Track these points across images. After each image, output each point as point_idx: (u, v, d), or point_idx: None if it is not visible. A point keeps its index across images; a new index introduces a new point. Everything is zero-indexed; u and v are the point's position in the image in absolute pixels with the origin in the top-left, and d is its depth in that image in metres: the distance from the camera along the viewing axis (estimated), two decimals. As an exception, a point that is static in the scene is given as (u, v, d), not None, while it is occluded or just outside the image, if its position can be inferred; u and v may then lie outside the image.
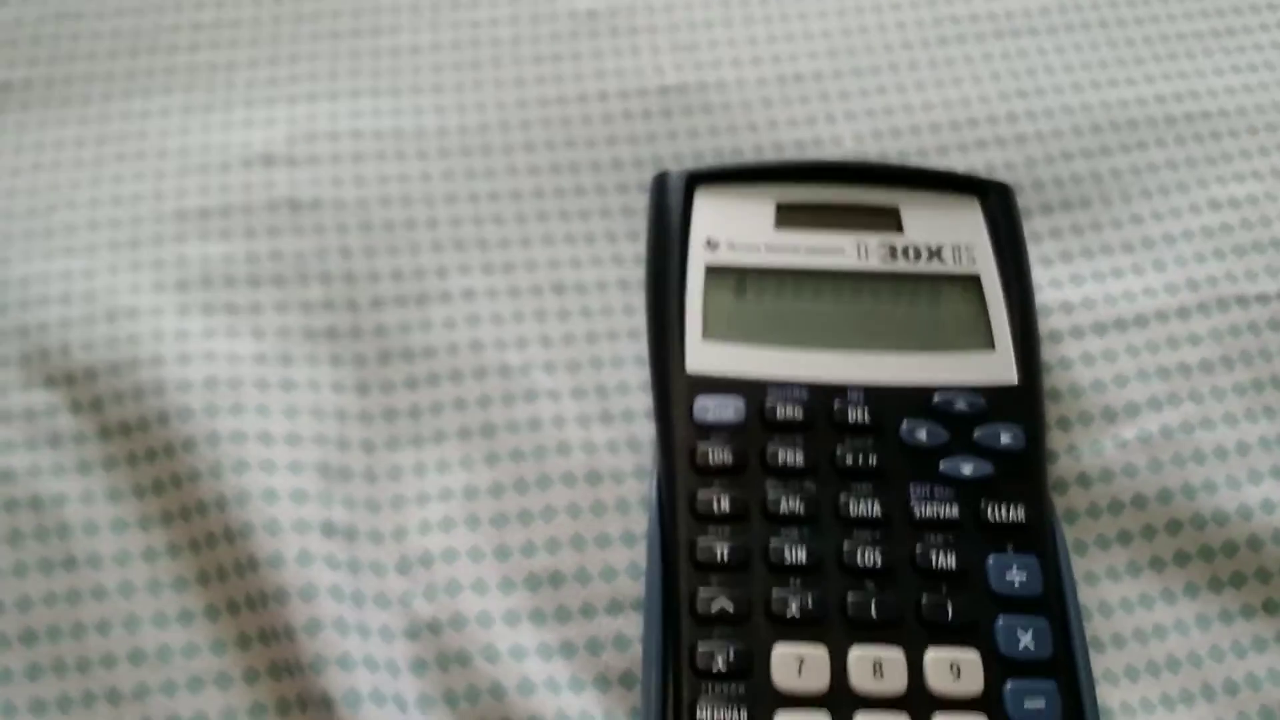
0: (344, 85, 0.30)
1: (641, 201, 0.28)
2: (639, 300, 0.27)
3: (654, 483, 0.24)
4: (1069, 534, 0.25)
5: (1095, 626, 0.24)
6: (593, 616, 0.23)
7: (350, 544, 0.23)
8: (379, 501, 0.24)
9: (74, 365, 0.25)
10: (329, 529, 0.23)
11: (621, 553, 0.24)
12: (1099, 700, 0.22)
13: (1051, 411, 0.26)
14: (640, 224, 0.28)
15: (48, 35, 0.31)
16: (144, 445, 0.24)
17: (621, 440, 0.25)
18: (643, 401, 0.26)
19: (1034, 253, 0.28)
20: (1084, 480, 0.25)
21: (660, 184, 0.27)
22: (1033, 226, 0.28)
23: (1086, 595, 0.24)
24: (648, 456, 0.25)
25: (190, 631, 0.23)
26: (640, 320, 0.27)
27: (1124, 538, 0.25)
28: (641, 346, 0.26)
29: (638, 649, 0.23)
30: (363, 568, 0.23)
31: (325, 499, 0.24)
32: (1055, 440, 0.26)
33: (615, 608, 0.23)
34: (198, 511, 0.24)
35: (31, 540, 0.24)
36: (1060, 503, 0.25)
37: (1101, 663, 0.23)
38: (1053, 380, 0.26)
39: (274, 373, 0.25)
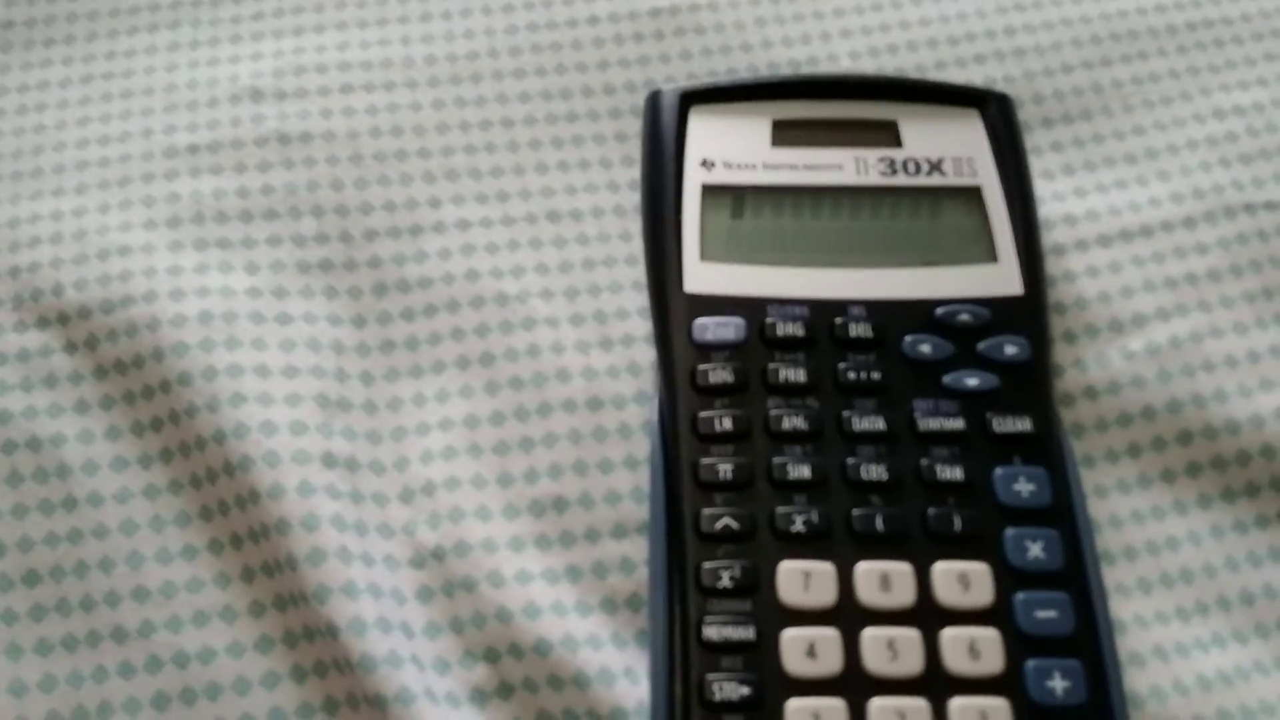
0: (330, 17, 0.29)
1: (635, 126, 0.27)
2: (635, 226, 0.26)
3: (656, 406, 0.23)
4: (1077, 448, 0.24)
5: (1106, 539, 0.23)
6: (597, 540, 0.22)
7: (351, 475, 0.23)
8: (379, 432, 0.23)
9: (67, 304, 0.25)
10: (329, 460, 0.23)
11: (624, 477, 0.23)
12: (1111, 613, 0.22)
13: (1057, 325, 0.25)
14: (634, 149, 0.27)
15: (28, -23, 0.30)
16: (140, 382, 0.24)
17: (621, 365, 0.24)
18: (642, 327, 0.25)
19: (1036, 166, 0.27)
20: (1091, 393, 0.24)
21: (654, 103, 0.26)
22: (1034, 140, 0.27)
23: (1096, 509, 0.23)
24: (648, 381, 0.24)
25: (194, 567, 0.22)
26: (637, 246, 0.26)
27: (1133, 450, 0.24)
28: (639, 272, 0.25)
29: (643, 572, 0.22)
30: (365, 498, 0.23)
31: (325, 430, 0.23)
32: (1061, 354, 0.25)
33: (620, 531, 0.23)
34: (196, 447, 0.23)
35: (31, 481, 0.23)
36: (1067, 416, 0.24)
37: (1113, 576, 0.23)
38: (1057, 294, 0.25)
39: (269, 306, 0.25)
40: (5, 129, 0.27)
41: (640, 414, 0.24)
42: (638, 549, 0.22)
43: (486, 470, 0.23)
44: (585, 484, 0.23)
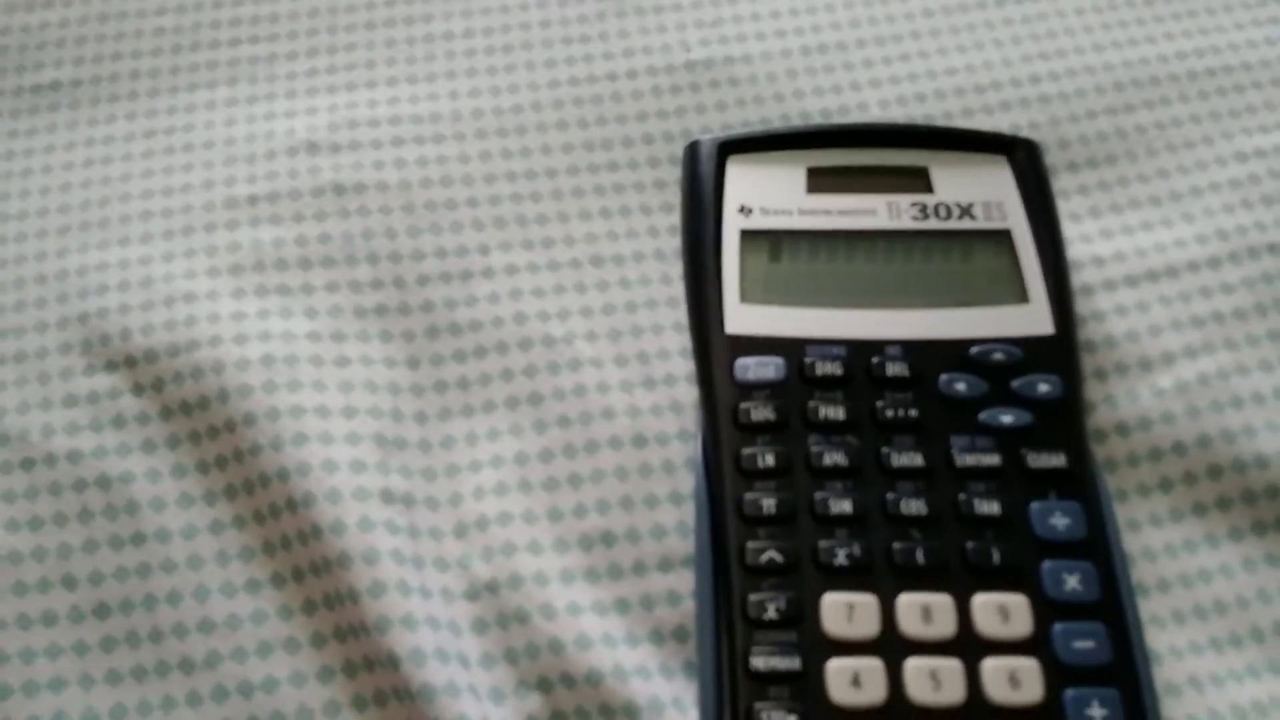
0: (381, 73, 0.30)
1: (673, 175, 0.28)
2: (675, 270, 0.27)
3: (699, 443, 0.24)
4: (1110, 483, 0.24)
5: (1140, 572, 0.23)
6: (645, 574, 0.23)
7: (408, 510, 0.24)
8: (434, 469, 0.24)
9: (134, 349, 0.26)
10: (388, 496, 0.24)
11: (669, 512, 0.24)
12: (1146, 644, 0.22)
13: (1087, 363, 0.26)
14: (672, 196, 0.28)
15: (93, 35, 0.31)
16: (205, 423, 0.25)
17: (664, 404, 0.25)
18: (683, 367, 0.26)
19: (1063, 209, 0.28)
20: (1122, 429, 0.25)
21: (692, 153, 0.27)
22: (1060, 184, 0.28)
23: (1130, 542, 0.24)
24: (690, 419, 0.25)
25: (258, 600, 0.23)
26: (677, 289, 0.27)
27: (1165, 484, 0.24)
28: (679, 314, 0.26)
29: (689, 604, 0.23)
30: (421, 533, 0.23)
31: (383, 468, 0.24)
32: (1092, 391, 0.25)
33: (666, 565, 0.23)
34: (260, 484, 0.24)
35: (101, 518, 0.24)
36: (1100, 452, 0.25)
37: (1148, 607, 0.23)
38: (1087, 332, 0.26)
39: (328, 349, 0.25)
40: (74, 181, 0.29)
41: (683, 451, 0.25)
42: (683, 582, 0.23)
43: (537, 506, 0.24)
44: (632, 519, 0.24)
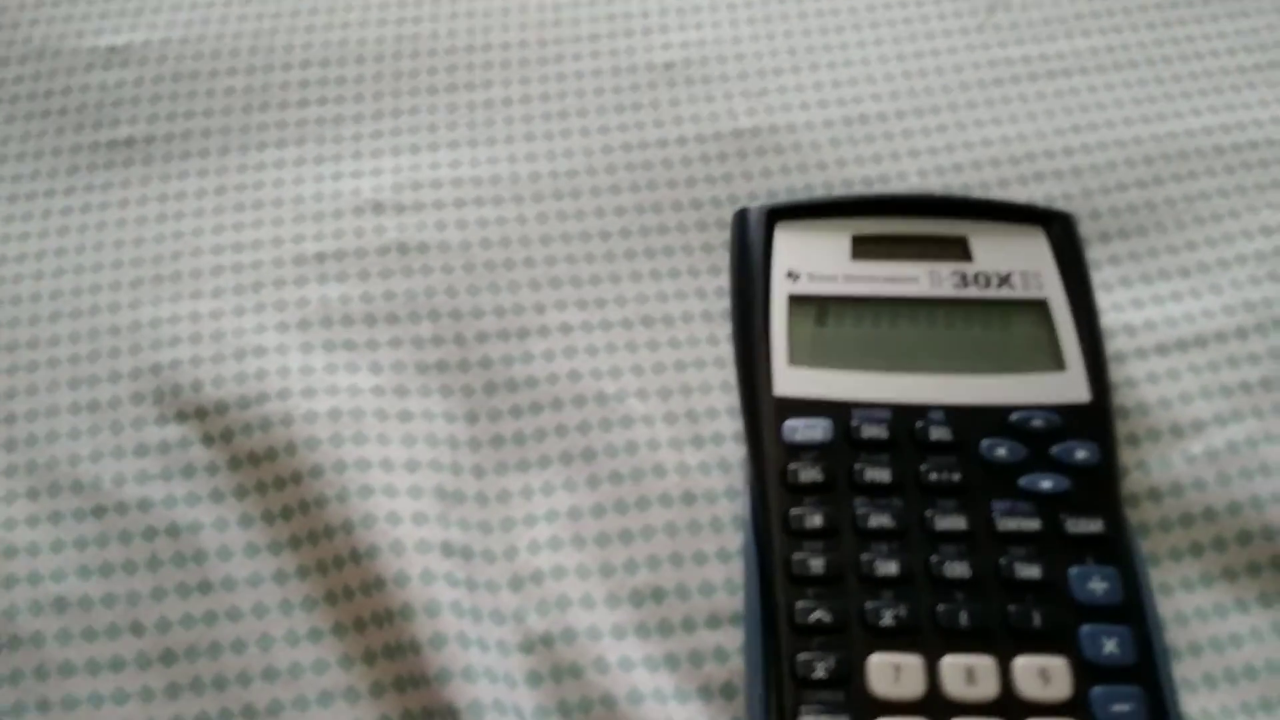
0: (443, 136, 0.31)
1: (720, 238, 0.29)
2: (722, 331, 0.27)
3: (747, 502, 0.24)
4: (1142, 547, 0.25)
5: (1172, 635, 0.24)
6: (694, 630, 0.23)
7: (467, 563, 0.24)
8: (491, 523, 0.25)
9: (205, 400, 0.26)
10: (448, 549, 0.24)
11: (718, 569, 0.24)
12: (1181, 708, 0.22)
13: (1120, 429, 0.26)
14: (719, 259, 0.29)
15: (166, 94, 0.32)
16: (272, 473, 0.25)
17: (713, 462, 0.25)
18: (731, 426, 0.26)
19: (1095, 279, 0.28)
20: (1154, 494, 0.25)
21: (741, 220, 0.27)
22: (1092, 254, 0.29)
23: (1162, 605, 0.24)
24: (738, 478, 0.25)
25: (320, 649, 0.23)
26: (725, 349, 0.27)
27: (1195, 549, 0.25)
28: (726, 374, 0.27)
29: (737, 661, 0.23)
30: (478, 586, 0.24)
31: (443, 521, 0.24)
32: (1125, 456, 0.26)
33: (714, 621, 0.23)
34: (325, 535, 0.24)
35: (169, 565, 0.24)
36: (1133, 516, 0.25)
37: (1179, 671, 0.23)
38: (1120, 399, 0.26)
39: (391, 404, 0.26)
40: (147, 235, 0.29)
41: (731, 508, 0.25)
42: (731, 638, 0.23)
43: (589, 560, 0.24)
44: (681, 575, 0.24)
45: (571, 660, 0.23)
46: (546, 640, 0.23)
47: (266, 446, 0.25)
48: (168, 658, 0.23)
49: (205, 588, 0.24)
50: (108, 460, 0.26)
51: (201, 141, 0.31)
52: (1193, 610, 0.24)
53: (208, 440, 0.26)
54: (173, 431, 0.26)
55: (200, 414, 0.26)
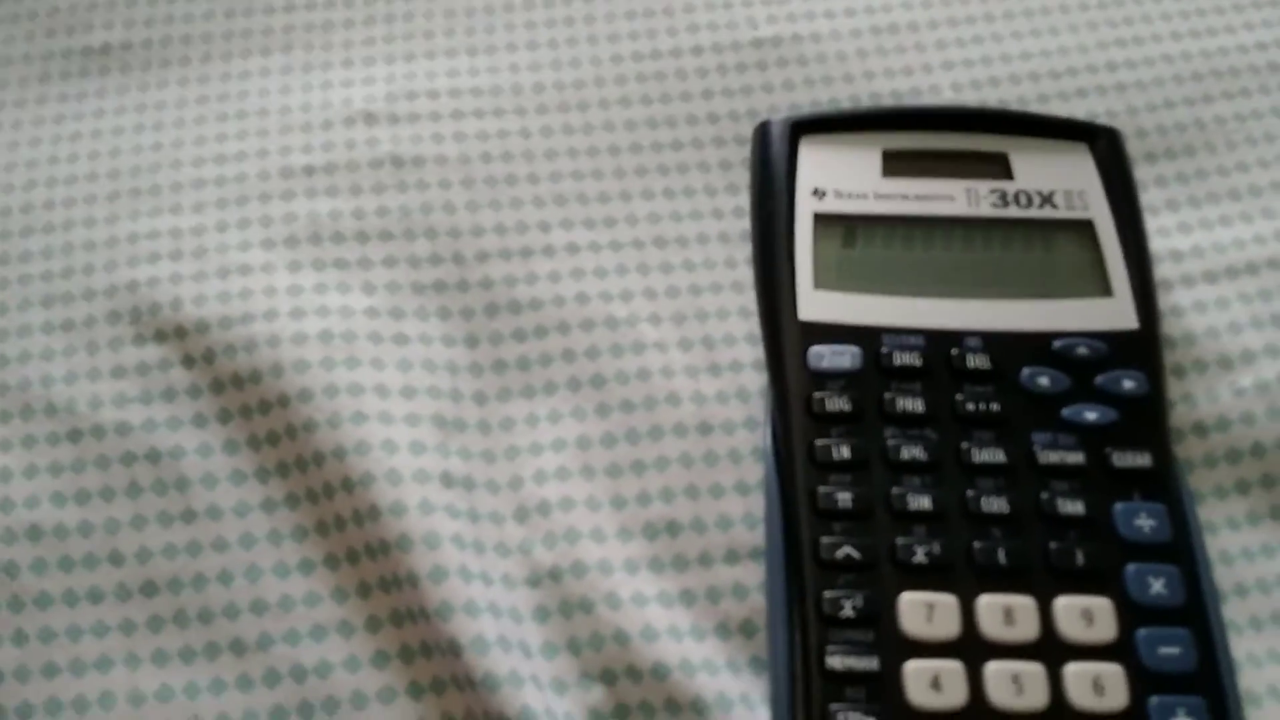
0: (440, 44, 0.29)
1: (738, 155, 0.27)
2: (740, 253, 0.26)
3: (768, 432, 0.22)
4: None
5: (1217, 576, 0.22)
6: (710, 565, 0.22)
7: (469, 494, 0.22)
8: (494, 452, 0.23)
9: (185, 319, 0.24)
10: (448, 479, 0.22)
11: (736, 502, 0.23)
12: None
13: (1165, 359, 0.24)
14: (737, 177, 0.27)
15: None
16: (258, 397, 0.23)
17: (730, 391, 0.24)
18: (749, 353, 0.24)
19: (1140, 201, 0.26)
20: (1200, 429, 0.24)
21: (763, 133, 0.25)
22: (1137, 175, 0.27)
23: (1206, 545, 0.22)
24: (757, 407, 0.24)
25: (311, 581, 0.22)
26: (743, 273, 0.25)
27: (1242, 487, 0.23)
28: (745, 299, 0.25)
29: (756, 597, 0.22)
30: (482, 517, 0.22)
31: (442, 450, 0.23)
32: (1170, 388, 0.24)
33: (732, 557, 0.22)
34: (314, 462, 0.22)
35: (150, 493, 0.23)
36: (1177, 452, 0.23)
37: (1225, 613, 0.22)
38: (1165, 328, 0.25)
39: (386, 326, 0.24)
40: (124, 147, 0.27)
41: (749, 439, 0.23)
42: (750, 574, 0.22)
43: (600, 492, 0.23)
44: (697, 508, 0.22)
45: (581, 595, 0.21)
46: (555, 574, 0.22)
47: (251, 369, 0.23)
48: (149, 589, 0.22)
49: (189, 517, 0.22)
50: (83, 382, 0.24)
51: (181, 49, 0.29)
52: (1239, 550, 0.22)
53: (188, 362, 0.24)
54: (152, 352, 0.24)
55: (180, 333, 0.24)
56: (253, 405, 0.23)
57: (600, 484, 0.23)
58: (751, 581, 0.22)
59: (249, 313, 0.24)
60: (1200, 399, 0.24)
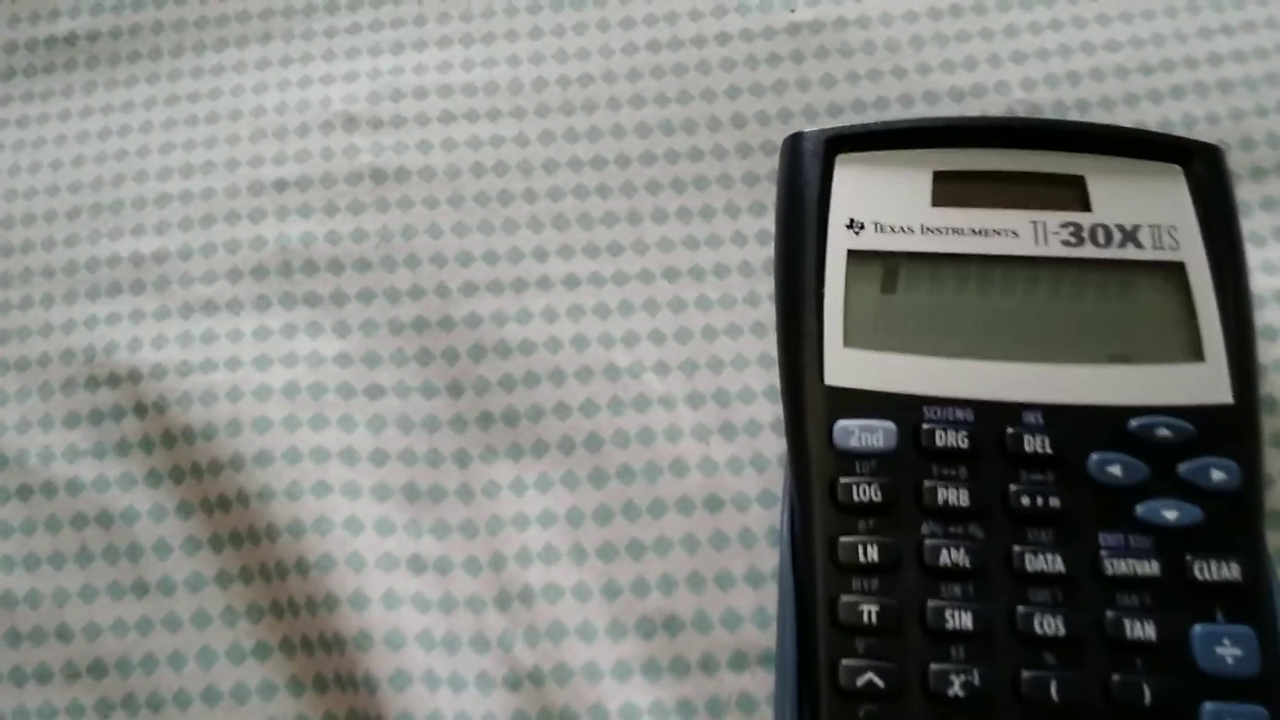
0: (433, 31, 0.25)
1: (767, 166, 0.23)
2: (765, 288, 0.22)
3: (785, 514, 0.19)
4: (1283, 580, 0.19)
5: (1315, 696, 0.19)
6: (714, 671, 0.19)
7: (443, 578, 0.20)
8: (475, 524, 0.20)
9: (141, 361, 0.22)
10: (418, 564, 0.20)
11: (746, 595, 0.19)
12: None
13: (1267, 425, 0.20)
14: (764, 194, 0.23)
15: (116, -22, 0.27)
16: (209, 456, 0.21)
17: (745, 458, 0.20)
18: (769, 411, 0.21)
19: (1243, 228, 0.22)
20: (1304, 514, 0.20)
21: (793, 148, 0.21)
22: (1240, 195, 0.22)
23: (1304, 657, 0.19)
24: (775, 478, 0.20)
25: (266, 668, 0.19)
26: (767, 311, 0.22)
27: (1351, 585, 0.19)
28: (768, 344, 0.21)
29: (766, 713, 0.19)
30: (458, 604, 0.19)
31: (414, 528, 0.20)
32: (1271, 462, 0.20)
33: (739, 661, 0.19)
34: (268, 536, 0.20)
35: (101, 560, 0.20)
36: (1274, 540, 0.19)
37: (1320, 740, 0.18)
38: (1268, 387, 0.20)
39: (359, 376, 0.21)
40: (88, 155, 0.24)
41: (765, 518, 0.20)
42: (760, 684, 0.19)
43: (591, 578, 0.20)
44: (701, 601, 0.19)
45: (564, 705, 0.19)
46: (535, 677, 0.19)
47: (206, 423, 0.21)
48: (97, 669, 0.20)
49: (140, 589, 0.20)
50: (35, 431, 0.21)
51: (152, 39, 0.26)
52: (1342, 664, 0.19)
53: (140, 411, 0.21)
54: (105, 397, 0.22)
55: (135, 378, 0.21)
56: (203, 465, 0.21)
57: (591, 568, 0.20)
58: (761, 692, 0.19)
59: (210, 359, 0.21)
60: (1305, 477, 0.20)
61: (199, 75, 0.25)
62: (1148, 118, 0.23)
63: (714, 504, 0.20)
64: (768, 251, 0.22)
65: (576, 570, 0.20)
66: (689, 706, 0.19)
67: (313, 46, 0.25)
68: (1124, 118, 0.23)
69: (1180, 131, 0.23)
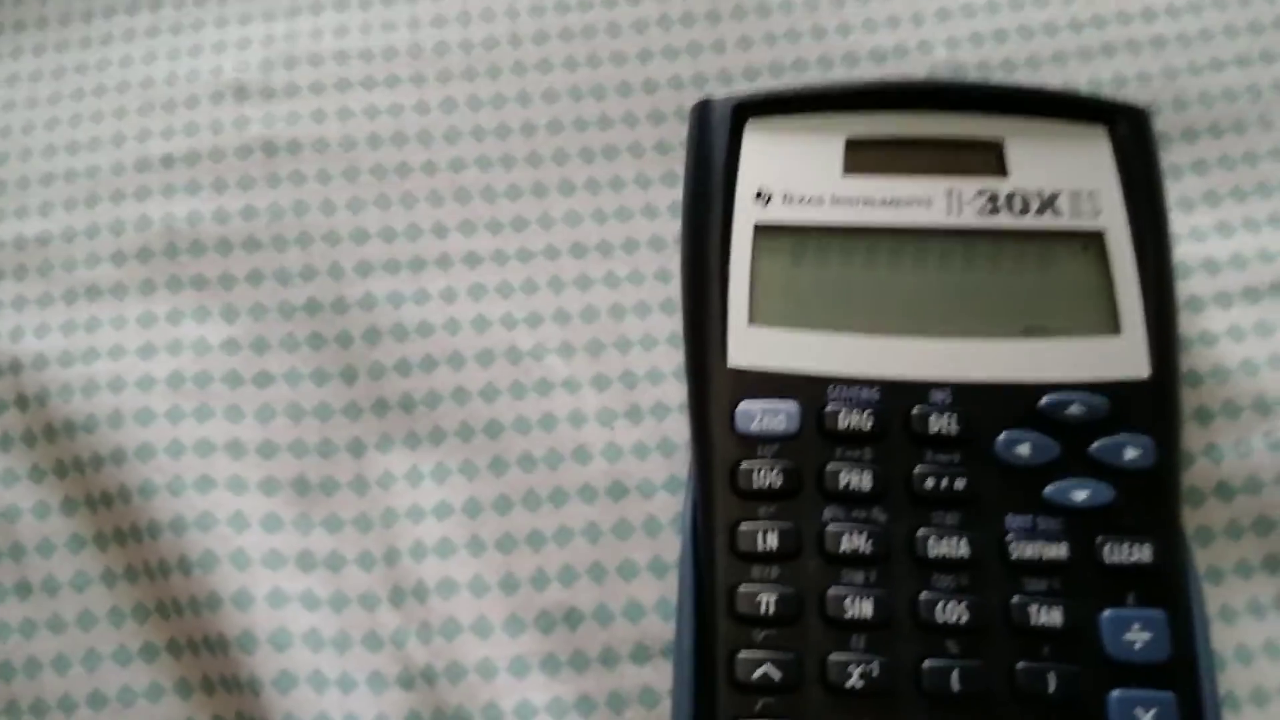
0: (328, -6, 0.24)
1: (679, 134, 0.22)
2: (675, 263, 0.21)
3: (688, 503, 0.18)
4: (1202, 558, 0.19)
5: (1230, 678, 0.18)
6: (615, 665, 0.18)
7: (335, 575, 0.19)
8: (370, 517, 0.19)
9: (23, 352, 0.20)
10: (306, 561, 0.19)
11: (650, 586, 0.19)
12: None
13: (1188, 400, 0.19)
14: (678, 162, 0.22)
15: (1, -59, 0.25)
16: (90, 450, 0.20)
17: (651, 442, 0.20)
18: (678, 393, 0.20)
19: (1172, 192, 0.21)
20: (1224, 490, 0.19)
21: (701, 115, 0.20)
22: (1171, 157, 0.21)
23: (1221, 637, 0.18)
24: (682, 463, 0.19)
25: (154, 670, 0.18)
26: (677, 289, 0.21)
27: (1271, 564, 0.19)
28: (678, 322, 0.20)
29: (668, 706, 0.18)
30: (350, 602, 0.19)
31: (303, 523, 0.19)
32: (1191, 438, 0.19)
33: (641, 654, 0.18)
34: (149, 533, 0.19)
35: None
36: (1192, 518, 0.19)
37: (1238, 722, 0.18)
38: (1191, 361, 0.20)
39: (247, 364, 0.20)
40: (-31, 130, 0.23)
41: (671, 505, 0.19)
42: (663, 677, 0.18)
43: (488, 571, 0.19)
44: (603, 593, 0.19)
45: (457, 705, 0.18)
46: (428, 675, 0.18)
47: (87, 415, 0.20)
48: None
49: (23, 590, 0.19)
50: (-88, 425, 0.20)
51: (39, 7, 0.24)
52: (1261, 644, 0.18)
53: (22, 403, 0.20)
54: (-13, 389, 0.21)
55: (15, 368, 0.20)
56: (85, 459, 0.20)
57: (489, 561, 0.19)
58: (664, 686, 0.18)
59: (93, 347, 0.20)
60: (1227, 452, 0.19)
61: (87, 45, 0.24)
62: (1077, 77, 0.22)
63: (618, 491, 0.19)
64: (679, 224, 0.21)
65: (474, 563, 0.19)
66: (589, 702, 0.18)
67: (204, 12, 0.24)
68: (1052, 77, 0.22)
69: (1110, 92, 0.22)
